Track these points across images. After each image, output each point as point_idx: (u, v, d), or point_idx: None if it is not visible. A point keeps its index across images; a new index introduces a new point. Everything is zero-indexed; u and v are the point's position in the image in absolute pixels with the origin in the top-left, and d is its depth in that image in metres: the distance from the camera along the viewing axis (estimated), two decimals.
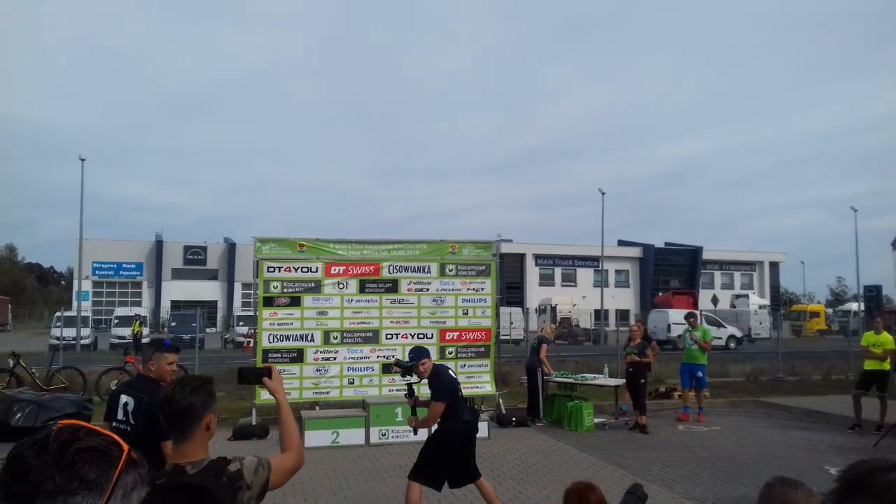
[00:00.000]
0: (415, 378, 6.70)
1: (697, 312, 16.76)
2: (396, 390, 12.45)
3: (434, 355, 12.53)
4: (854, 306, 47.60)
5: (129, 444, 1.35)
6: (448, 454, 6.55)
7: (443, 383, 6.54)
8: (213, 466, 2.41)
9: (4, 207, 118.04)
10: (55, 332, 28.36)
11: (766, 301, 58.98)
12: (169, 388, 2.57)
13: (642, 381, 12.47)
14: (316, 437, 10.90)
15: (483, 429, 11.53)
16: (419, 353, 6.79)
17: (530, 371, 13.45)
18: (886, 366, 12.21)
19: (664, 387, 15.98)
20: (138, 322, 33.84)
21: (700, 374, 13.37)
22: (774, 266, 73.44)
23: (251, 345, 17.34)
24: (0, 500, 1.19)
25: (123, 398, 4.34)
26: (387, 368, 12.44)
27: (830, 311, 60.62)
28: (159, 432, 3.58)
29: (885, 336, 12.42)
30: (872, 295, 49.94)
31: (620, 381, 13.40)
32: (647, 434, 11.92)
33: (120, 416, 4.29)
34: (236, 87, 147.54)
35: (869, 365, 12.42)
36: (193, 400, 2.48)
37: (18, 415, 11.25)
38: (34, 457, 1.19)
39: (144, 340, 33.55)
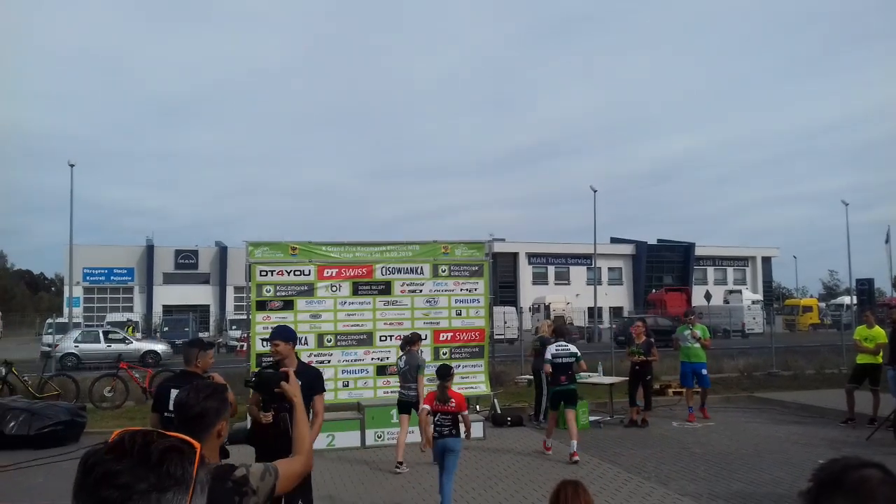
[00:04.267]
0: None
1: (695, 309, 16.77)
2: (391, 392, 12.45)
3: (428, 356, 12.57)
4: (847, 300, 47.70)
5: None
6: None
7: (318, 371, 5.60)
8: (219, 471, 2.44)
9: None
10: (47, 339, 28.16)
11: (760, 296, 59.29)
12: (183, 392, 2.56)
13: (648, 377, 12.65)
14: None
15: (478, 429, 11.56)
16: (280, 331, 5.49)
17: (536, 373, 13.31)
18: (879, 359, 12.28)
19: (658, 384, 16.01)
20: (130, 328, 33.78)
21: (704, 371, 13.17)
22: (767, 261, 73.70)
23: (244, 349, 17.29)
24: None
25: (173, 392, 4.84)
26: (381, 370, 12.43)
27: (823, 305, 60.83)
28: None
29: (877, 330, 12.48)
30: (865, 288, 50.21)
31: (615, 379, 13.42)
32: (645, 428, 12.07)
33: (171, 407, 4.60)
34: (227, 90, 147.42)
35: (861, 359, 12.48)
36: (207, 406, 2.48)
37: (12, 423, 11.19)
38: (115, 461, 1.22)
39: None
